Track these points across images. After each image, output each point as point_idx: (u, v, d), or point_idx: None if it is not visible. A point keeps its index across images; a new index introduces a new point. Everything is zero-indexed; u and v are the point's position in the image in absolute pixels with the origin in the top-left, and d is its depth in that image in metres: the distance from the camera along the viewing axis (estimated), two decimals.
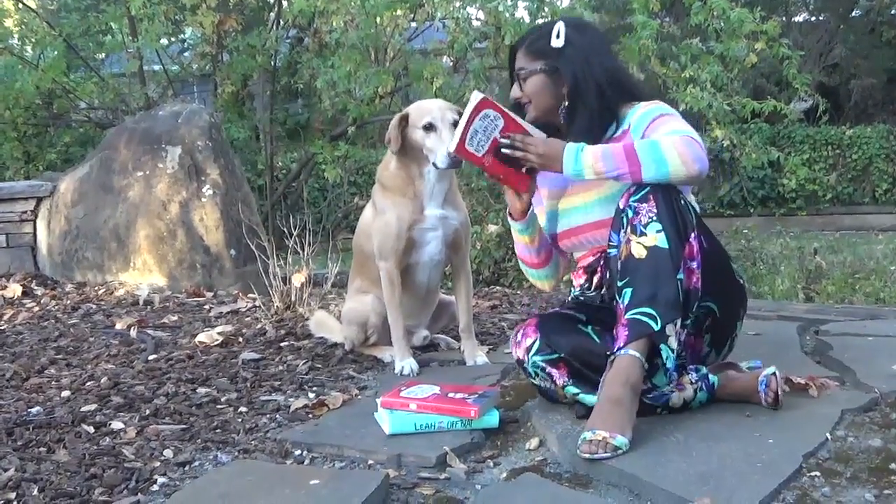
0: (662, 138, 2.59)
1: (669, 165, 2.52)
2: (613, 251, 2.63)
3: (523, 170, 2.78)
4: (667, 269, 2.49)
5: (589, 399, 2.64)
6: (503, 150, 2.71)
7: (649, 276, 2.49)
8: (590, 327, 2.76)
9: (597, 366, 2.62)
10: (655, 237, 2.51)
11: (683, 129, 2.63)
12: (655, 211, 2.52)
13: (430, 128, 3.36)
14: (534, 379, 2.78)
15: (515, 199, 2.89)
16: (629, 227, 2.55)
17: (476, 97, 2.70)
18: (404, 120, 3.44)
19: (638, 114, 2.80)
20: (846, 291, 6.79)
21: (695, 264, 2.56)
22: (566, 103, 2.84)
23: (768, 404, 2.63)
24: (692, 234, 2.57)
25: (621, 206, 2.60)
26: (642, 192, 2.55)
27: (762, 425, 2.52)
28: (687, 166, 2.53)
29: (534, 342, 2.73)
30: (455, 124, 3.29)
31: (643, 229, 2.52)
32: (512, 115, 2.73)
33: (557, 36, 2.82)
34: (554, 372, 2.71)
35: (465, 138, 2.69)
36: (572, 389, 2.69)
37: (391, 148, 3.46)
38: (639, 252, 2.52)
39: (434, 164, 3.35)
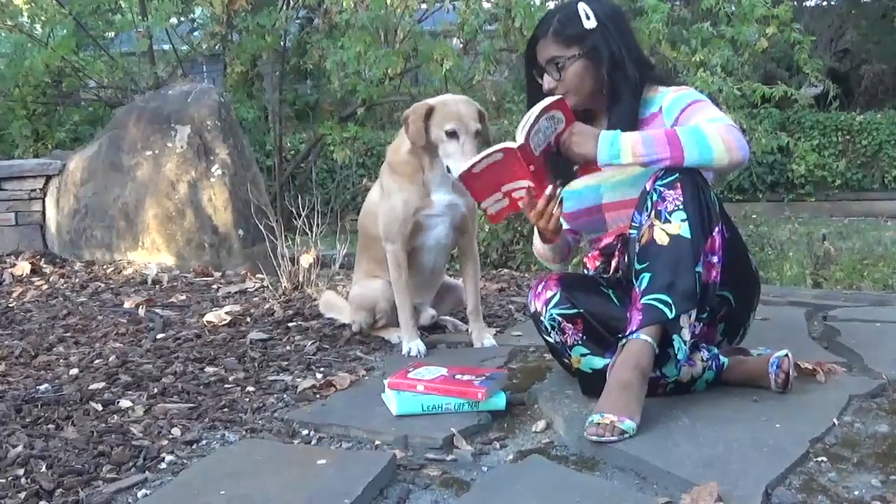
0: (705, 124, 2.56)
1: (714, 151, 2.50)
2: (634, 232, 2.61)
3: (558, 182, 2.73)
4: (687, 260, 2.47)
5: (595, 362, 2.65)
6: (555, 151, 2.68)
7: (669, 264, 2.47)
8: (611, 291, 2.75)
9: (613, 328, 2.62)
10: (679, 226, 2.49)
11: (722, 117, 2.61)
12: (682, 199, 2.50)
13: (452, 135, 3.27)
14: (547, 334, 2.76)
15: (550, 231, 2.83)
16: (653, 211, 2.53)
17: (553, 97, 2.65)
18: (428, 117, 3.33)
19: (671, 97, 2.77)
20: (854, 277, 6.79)
21: (715, 258, 2.54)
22: (608, 83, 2.79)
23: (777, 386, 2.63)
24: (716, 228, 2.55)
25: (647, 188, 2.57)
26: (670, 178, 2.53)
27: (769, 410, 2.51)
28: (731, 153, 2.51)
29: (554, 295, 2.71)
30: (477, 133, 3.28)
31: (668, 216, 2.50)
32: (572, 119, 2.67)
33: (587, 17, 2.76)
34: (568, 328, 2.69)
35: (532, 132, 2.60)
36: (581, 350, 2.68)
37: (416, 140, 3.36)
38: (661, 238, 2.49)
39: (447, 168, 3.29)
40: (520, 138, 2.59)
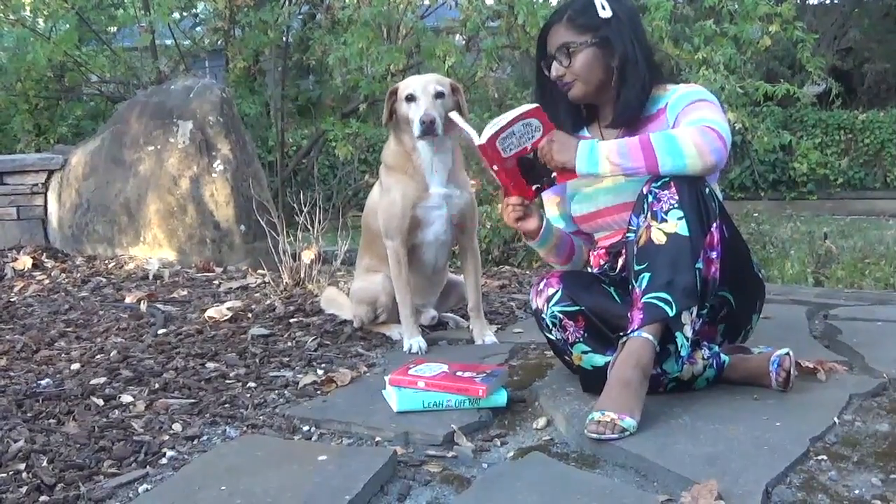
0: (680, 130, 2.57)
1: (686, 158, 2.49)
2: (632, 235, 2.61)
3: (533, 187, 2.77)
4: (686, 257, 2.47)
5: (596, 359, 2.65)
6: (527, 157, 2.70)
7: (668, 263, 2.47)
8: (612, 288, 2.75)
9: (615, 325, 2.62)
10: (676, 224, 2.49)
11: (709, 118, 2.58)
12: (677, 198, 2.50)
13: (411, 98, 3.41)
14: (548, 332, 2.75)
15: (528, 224, 2.87)
16: (649, 213, 2.53)
17: (530, 105, 2.68)
18: (393, 94, 3.51)
19: (678, 94, 2.77)
20: (856, 276, 6.79)
21: (714, 254, 2.54)
22: (616, 75, 2.78)
23: (778, 384, 2.63)
24: (714, 224, 2.55)
25: (644, 192, 2.58)
26: (664, 179, 2.53)
27: (770, 408, 2.52)
28: (703, 158, 2.49)
29: (556, 292, 2.70)
30: (437, 95, 3.39)
31: (664, 216, 2.50)
32: (552, 127, 2.69)
33: (603, 7, 2.76)
34: (570, 325, 2.68)
35: (500, 135, 2.63)
36: (582, 347, 2.68)
37: (385, 120, 3.57)
38: (658, 238, 2.50)
39: (414, 132, 3.39)
40: (482, 138, 2.63)
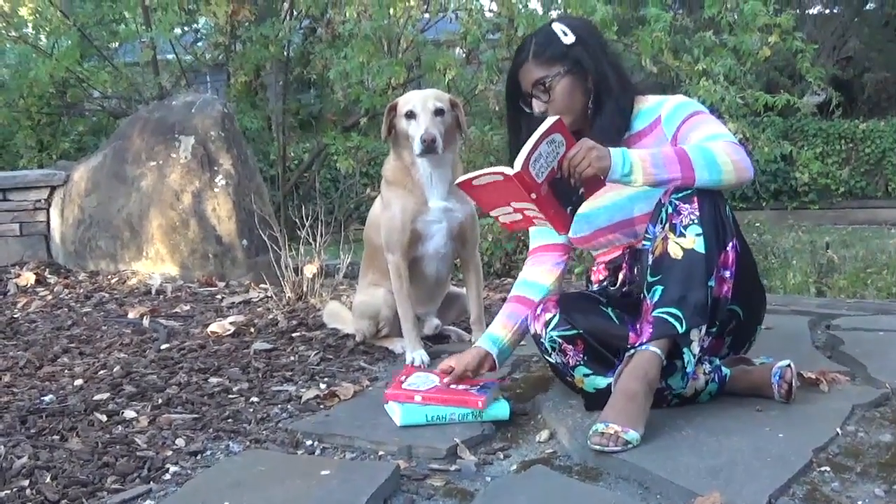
0: (713, 144, 2.55)
1: (723, 172, 2.50)
2: (648, 244, 2.61)
3: (567, 209, 2.64)
4: (700, 274, 2.48)
5: (598, 381, 2.65)
6: (559, 175, 2.54)
7: (682, 278, 2.48)
8: (610, 309, 2.75)
9: (613, 346, 2.63)
10: (694, 240, 2.49)
11: (724, 134, 2.60)
12: (698, 214, 2.50)
13: (410, 115, 3.41)
14: (549, 355, 2.74)
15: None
16: (668, 224, 2.53)
17: (551, 120, 2.53)
18: (393, 109, 3.50)
19: (670, 105, 2.76)
20: (858, 286, 6.78)
21: (728, 273, 2.55)
22: (593, 94, 2.77)
23: (781, 396, 2.63)
24: (730, 244, 2.56)
25: (662, 201, 2.57)
26: (686, 192, 2.53)
27: (772, 420, 2.52)
28: (739, 173, 2.51)
29: (553, 317, 2.69)
30: (437, 112, 3.37)
31: (683, 230, 2.50)
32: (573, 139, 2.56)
33: (565, 34, 2.76)
34: (569, 349, 2.67)
35: (531, 158, 2.46)
36: (583, 370, 2.67)
37: (384, 135, 3.55)
38: (675, 252, 2.50)
39: (415, 150, 3.37)
40: (517, 166, 2.46)
